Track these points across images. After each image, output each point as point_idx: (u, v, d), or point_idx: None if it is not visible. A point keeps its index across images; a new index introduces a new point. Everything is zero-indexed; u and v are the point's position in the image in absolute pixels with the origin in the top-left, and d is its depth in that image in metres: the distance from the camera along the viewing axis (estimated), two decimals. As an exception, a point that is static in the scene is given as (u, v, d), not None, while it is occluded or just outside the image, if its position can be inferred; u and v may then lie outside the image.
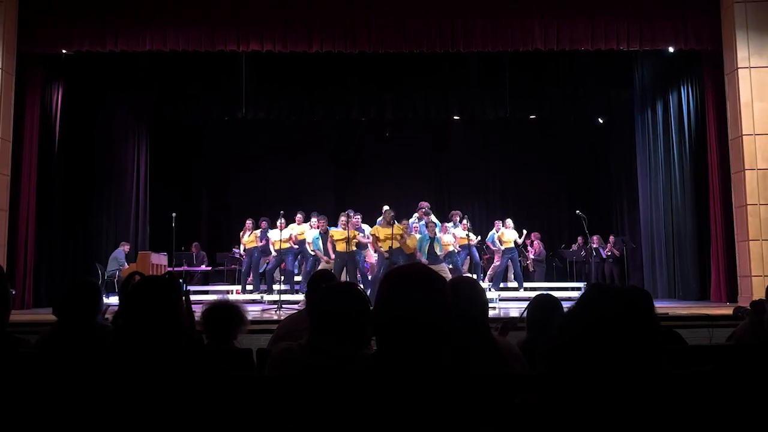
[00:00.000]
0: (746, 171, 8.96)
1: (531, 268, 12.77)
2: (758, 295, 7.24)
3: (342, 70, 11.54)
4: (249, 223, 11.20)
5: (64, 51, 9.68)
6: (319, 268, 9.59)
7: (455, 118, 14.18)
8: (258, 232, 11.01)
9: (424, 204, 10.89)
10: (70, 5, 9.38)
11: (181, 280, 2.06)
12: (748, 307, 3.66)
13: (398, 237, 9.65)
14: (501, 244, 11.22)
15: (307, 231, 10.70)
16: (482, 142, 14.72)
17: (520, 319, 3.11)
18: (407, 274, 1.51)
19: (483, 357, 2.20)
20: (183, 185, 14.50)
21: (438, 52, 9.68)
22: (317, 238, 10.29)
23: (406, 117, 13.63)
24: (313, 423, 1.44)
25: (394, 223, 9.72)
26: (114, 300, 6.12)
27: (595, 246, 12.15)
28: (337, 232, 9.73)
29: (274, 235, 10.65)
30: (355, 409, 1.39)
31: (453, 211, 11.38)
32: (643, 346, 1.12)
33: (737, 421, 1.36)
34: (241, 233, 11.28)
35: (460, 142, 14.85)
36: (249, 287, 11.00)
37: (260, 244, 10.94)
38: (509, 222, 11.33)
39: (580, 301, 1.17)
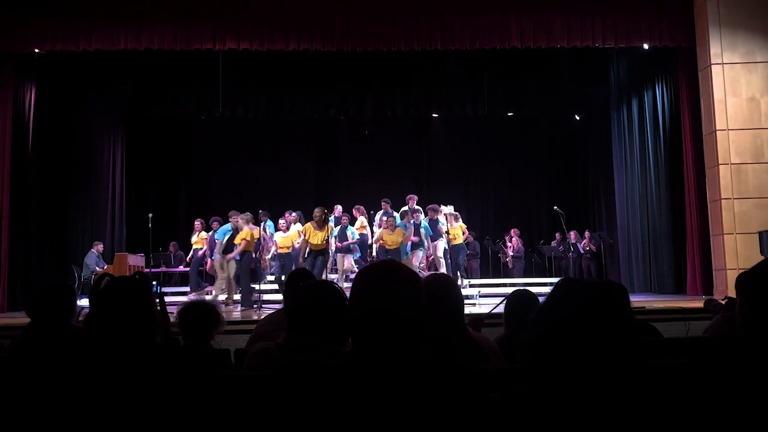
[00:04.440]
0: (720, 166, 9.09)
1: (510, 265, 12.83)
2: (733, 288, 7.35)
3: (321, 68, 11.50)
4: (198, 223, 11.12)
5: (36, 50, 9.52)
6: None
7: (434, 115, 14.24)
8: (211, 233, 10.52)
9: (385, 203, 10.87)
10: (42, 4, 9.23)
11: (154, 282, 2.04)
12: (720, 301, 3.71)
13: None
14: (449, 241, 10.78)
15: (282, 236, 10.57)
16: (461, 139, 14.77)
17: (487, 315, 3.12)
18: (381, 270, 1.51)
19: (461, 352, 2.21)
20: (160, 184, 14.35)
21: (416, 49, 9.70)
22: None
23: (385, 115, 13.64)
24: (291, 421, 1.43)
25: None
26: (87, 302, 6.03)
27: (572, 241, 12.25)
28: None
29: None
30: (332, 406, 1.38)
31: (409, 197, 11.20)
32: (619, 340, 1.13)
33: (711, 411, 1.37)
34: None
35: (440, 140, 14.92)
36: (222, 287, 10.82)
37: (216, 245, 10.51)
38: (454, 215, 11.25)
39: (550, 297, 1.18)
